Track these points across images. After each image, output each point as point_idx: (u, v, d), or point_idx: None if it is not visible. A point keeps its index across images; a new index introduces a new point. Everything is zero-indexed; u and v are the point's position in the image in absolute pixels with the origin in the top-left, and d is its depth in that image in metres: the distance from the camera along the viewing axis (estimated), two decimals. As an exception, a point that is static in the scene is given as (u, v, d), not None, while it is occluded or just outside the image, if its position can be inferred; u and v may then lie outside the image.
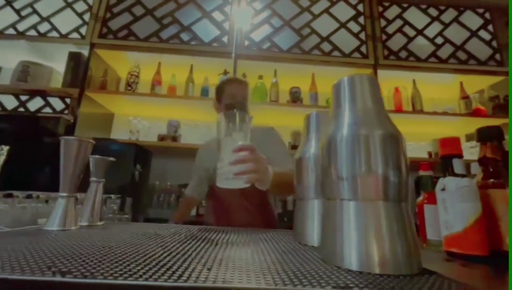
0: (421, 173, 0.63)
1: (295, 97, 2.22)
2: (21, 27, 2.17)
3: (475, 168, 0.45)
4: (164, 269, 0.28)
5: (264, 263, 0.33)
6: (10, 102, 2.06)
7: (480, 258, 0.38)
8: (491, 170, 0.42)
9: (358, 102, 0.37)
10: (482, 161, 0.43)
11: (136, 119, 2.16)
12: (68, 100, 2.12)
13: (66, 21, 2.19)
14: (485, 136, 0.44)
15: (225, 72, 2.23)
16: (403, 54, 2.22)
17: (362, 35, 2.25)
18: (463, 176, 0.42)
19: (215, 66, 2.24)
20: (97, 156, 0.68)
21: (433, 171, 0.63)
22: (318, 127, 0.56)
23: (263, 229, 0.72)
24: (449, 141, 0.44)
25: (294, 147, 2.14)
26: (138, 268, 0.28)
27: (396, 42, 2.25)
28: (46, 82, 2.19)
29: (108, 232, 0.53)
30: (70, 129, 1.97)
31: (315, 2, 2.31)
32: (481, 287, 0.29)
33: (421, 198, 0.60)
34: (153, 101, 2.15)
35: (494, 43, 2.27)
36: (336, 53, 2.21)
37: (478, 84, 2.31)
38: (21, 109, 2.05)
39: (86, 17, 2.21)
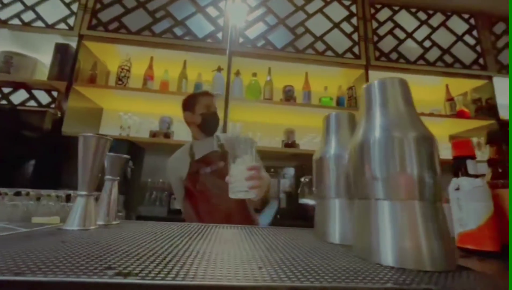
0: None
1: (289, 96, 2.24)
2: (3, 15, 2.05)
3: (482, 169, 0.47)
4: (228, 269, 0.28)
5: (303, 262, 0.33)
6: (-9, 95, 1.96)
7: (492, 254, 0.40)
8: (500, 171, 0.45)
9: (390, 104, 0.39)
10: (491, 162, 0.46)
11: (127, 115, 2.11)
12: (55, 94, 2.03)
13: (53, 11, 2.10)
14: (494, 138, 0.47)
15: (219, 69, 2.21)
16: (394, 56, 2.29)
17: (355, 36, 2.29)
18: (476, 176, 0.44)
19: (209, 63, 2.21)
20: (112, 154, 0.66)
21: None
22: (338, 128, 0.57)
23: (282, 228, 0.73)
24: (462, 143, 0.47)
25: (287, 145, 2.16)
26: (197, 267, 0.28)
27: (387, 44, 2.31)
28: (30, 74, 2.09)
29: (133, 230, 0.53)
30: (57, 124, 1.89)
31: (309, 1, 2.32)
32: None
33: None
34: (145, 96, 2.10)
35: (478, 48, 2.37)
36: (329, 53, 2.25)
37: (462, 87, 2.41)
38: (4, 102, 1.95)
39: (74, 7, 2.13)
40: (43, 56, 2.16)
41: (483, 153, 2.08)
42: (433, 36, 2.36)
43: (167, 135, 2.06)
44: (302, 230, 0.64)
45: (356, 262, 0.34)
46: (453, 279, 0.28)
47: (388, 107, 0.38)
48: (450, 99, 2.36)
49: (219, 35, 2.18)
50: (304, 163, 2.15)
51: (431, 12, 2.41)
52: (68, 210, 1.15)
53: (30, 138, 1.84)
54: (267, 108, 2.19)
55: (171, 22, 2.15)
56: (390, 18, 2.37)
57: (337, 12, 2.33)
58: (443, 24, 2.40)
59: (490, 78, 2.32)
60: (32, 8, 2.09)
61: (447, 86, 2.39)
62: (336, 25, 2.30)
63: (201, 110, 1.36)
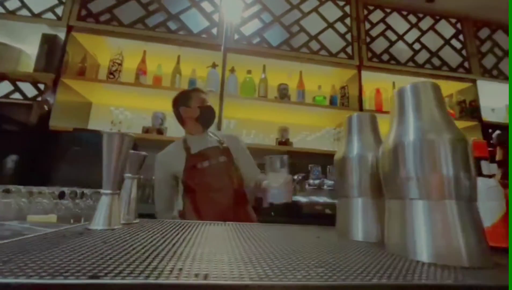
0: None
1: (283, 94, 2.25)
2: (-15, 2, 1.94)
3: (486, 168, 0.50)
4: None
5: (341, 260, 0.34)
6: (-28, 86, 1.85)
7: (505, 249, 0.43)
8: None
9: (424, 108, 0.40)
10: (500, 163, 0.49)
11: (119, 110, 2.05)
12: (41, 86, 1.95)
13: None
14: (503, 140, 0.50)
15: (214, 65, 2.19)
16: (385, 57, 2.34)
17: (348, 36, 2.33)
18: (489, 176, 0.47)
19: (204, 58, 2.19)
20: (132, 151, 0.64)
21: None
22: (360, 129, 0.58)
23: (305, 226, 0.75)
24: (476, 145, 0.49)
25: (281, 143, 2.18)
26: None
27: (379, 45, 2.36)
28: (14, 65, 1.99)
29: (160, 230, 0.52)
30: (44, 118, 1.82)
31: (304, 0, 2.34)
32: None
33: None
34: (138, 91, 2.06)
35: (463, 52, 2.47)
36: (323, 52, 2.27)
37: (448, 89, 2.51)
38: (-14, 94, 1.86)
39: (63, -4, 2.04)
40: (28, 47, 2.06)
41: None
42: (422, 39, 2.43)
43: (160, 131, 2.02)
44: (319, 228, 0.66)
45: (393, 259, 0.36)
46: (493, 275, 0.30)
47: (421, 111, 0.40)
48: (437, 101, 2.45)
49: (214, 30, 2.16)
50: (297, 161, 2.18)
51: (421, 15, 2.48)
52: (64, 208, 1.11)
53: (15, 132, 1.76)
54: (262, 105, 2.19)
55: (165, 15, 2.11)
56: (382, 20, 2.42)
57: (331, 12, 2.36)
58: (431, 27, 2.48)
59: (474, 81, 2.43)
60: (17, -5, 1.99)
61: (434, 87, 2.48)
62: (330, 25, 2.33)
63: (197, 103, 1.37)
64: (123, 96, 2.12)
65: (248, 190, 1.41)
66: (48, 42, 1.99)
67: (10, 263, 0.25)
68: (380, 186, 0.52)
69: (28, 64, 2.03)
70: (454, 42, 2.48)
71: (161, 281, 0.23)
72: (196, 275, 0.25)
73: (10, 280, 0.21)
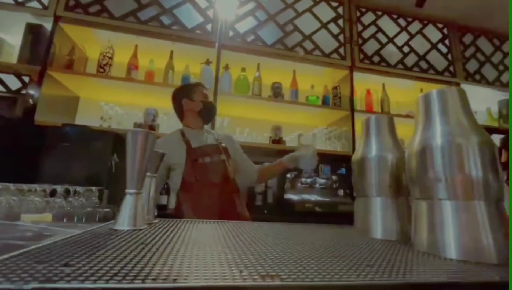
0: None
1: (277, 93, 2.26)
2: (-37, -13, 1.82)
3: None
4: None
5: (370, 258, 0.35)
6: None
7: None
8: None
9: (451, 112, 0.42)
10: (506, 165, 0.52)
11: (109, 105, 1.99)
12: (26, 79, 1.86)
13: (24, -13, 1.90)
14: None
15: (208, 62, 2.17)
16: (376, 59, 2.40)
17: (341, 37, 2.37)
18: None
19: (197, 55, 2.16)
20: None
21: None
22: (378, 130, 0.59)
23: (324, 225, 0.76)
24: None
25: (274, 141, 2.19)
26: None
27: (370, 47, 2.42)
28: (-5, 56, 1.89)
29: (185, 230, 0.51)
30: (29, 112, 1.74)
31: (298, 0, 2.35)
32: None
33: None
34: (129, 86, 2.00)
35: (449, 56, 2.57)
36: (316, 52, 2.30)
37: (435, 92, 2.60)
38: (-35, 86, 1.75)
39: (49, -16, 1.94)
40: (11, 37, 1.96)
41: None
42: (411, 42, 2.51)
43: (152, 128, 1.98)
44: (335, 227, 0.67)
45: (423, 256, 0.37)
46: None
47: (448, 115, 0.42)
48: (423, 102, 2.54)
49: (209, 27, 2.14)
50: (290, 160, 2.19)
51: (410, 19, 2.56)
52: (57, 207, 1.07)
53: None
54: (256, 104, 2.19)
55: (158, 9, 2.06)
56: (374, 23, 2.47)
57: (325, 12, 2.38)
58: (420, 31, 2.57)
59: (458, 84, 2.53)
60: (-2, -19, 1.88)
61: (421, 90, 2.57)
62: (324, 25, 2.36)
63: (200, 98, 1.38)
64: (113, 91, 2.06)
65: (245, 184, 1.46)
66: (33, 32, 1.90)
67: (70, 266, 0.24)
68: (398, 186, 0.54)
69: (11, 55, 1.93)
70: (440, 46, 2.58)
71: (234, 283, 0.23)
72: (268, 277, 0.25)
73: (86, 285, 0.20)
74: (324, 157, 2.23)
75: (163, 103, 2.17)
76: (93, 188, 1.33)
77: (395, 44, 2.47)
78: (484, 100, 2.63)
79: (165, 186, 1.97)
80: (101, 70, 1.98)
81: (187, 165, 1.26)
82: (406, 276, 0.27)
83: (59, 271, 0.23)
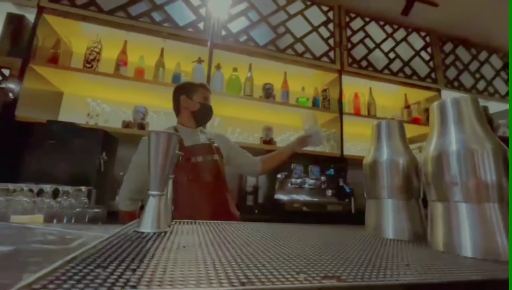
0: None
1: (268, 93, 2.28)
2: None
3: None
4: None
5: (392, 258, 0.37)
6: None
7: None
8: None
9: (465, 120, 0.44)
10: None
11: (96, 102, 1.92)
12: (6, 72, 1.76)
13: (5, -26, 1.79)
14: None
15: (200, 61, 2.15)
16: (364, 63, 2.48)
17: (331, 41, 2.42)
18: None
19: (189, 53, 2.13)
20: None
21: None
22: (389, 135, 0.62)
23: (334, 225, 0.77)
24: None
25: (265, 141, 2.20)
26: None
27: (359, 51, 2.49)
28: (-29, 46, 1.77)
29: (209, 231, 0.51)
30: (9, 107, 1.65)
31: (291, 2, 2.38)
32: None
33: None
34: (117, 83, 1.94)
35: (431, 63, 2.70)
36: (307, 55, 2.34)
37: (417, 97, 2.73)
38: None
39: (33, -27, 1.85)
40: (-11, 27, 1.84)
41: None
42: (396, 49, 2.61)
43: (141, 126, 1.94)
44: (343, 227, 0.69)
45: (440, 254, 0.40)
46: None
47: (463, 122, 0.44)
48: (407, 107, 2.66)
49: (201, 25, 2.12)
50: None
51: (395, 26, 2.66)
52: (46, 207, 1.03)
53: (-27, 121, 1.58)
54: (247, 104, 2.20)
55: (149, 5, 2.02)
56: (362, 28, 2.55)
57: (316, 16, 2.43)
58: (404, 38, 2.68)
59: (439, 90, 2.67)
60: (-24, -33, 1.76)
61: (405, 95, 2.68)
62: (315, 29, 2.40)
63: (199, 99, 1.36)
64: (101, 87, 1.99)
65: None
66: (14, 22, 1.80)
67: (135, 271, 0.24)
68: (409, 188, 0.57)
69: (-11, 45, 1.81)
70: (423, 53, 2.70)
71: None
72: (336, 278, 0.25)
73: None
74: (314, 158, 2.27)
75: (153, 101, 2.14)
76: (83, 188, 1.29)
77: (381, 50, 2.56)
78: (462, 106, 2.78)
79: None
80: (88, 65, 1.91)
81: (179, 164, 1.25)
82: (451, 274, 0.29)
83: (129, 276, 0.23)
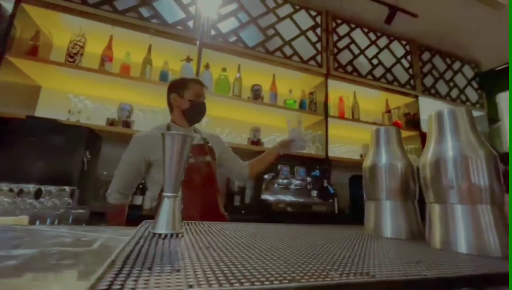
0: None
1: (257, 95, 2.29)
2: None
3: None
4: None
5: (392, 255, 0.39)
6: None
7: None
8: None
9: (461, 128, 0.48)
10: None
11: (78, 98, 1.84)
12: (-22, 63, 1.63)
13: (-21, -42, 1.67)
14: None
15: (188, 59, 2.12)
16: (349, 68, 2.56)
17: (318, 46, 2.48)
18: None
19: (177, 51, 2.10)
20: None
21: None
22: (387, 140, 0.65)
23: (332, 226, 0.79)
24: None
25: (253, 142, 2.22)
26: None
27: (344, 57, 2.57)
28: None
29: (223, 232, 0.51)
30: (-18, 101, 1.54)
31: (280, 6, 2.41)
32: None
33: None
34: (102, 79, 1.87)
35: (410, 71, 2.85)
36: (295, 58, 2.38)
37: (397, 102, 2.86)
38: None
39: (11, -41, 1.74)
40: (-40, 13, 1.71)
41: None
42: (379, 56, 2.72)
43: (126, 124, 1.88)
44: (340, 227, 0.71)
45: (436, 252, 0.43)
46: None
47: (459, 131, 0.48)
48: (388, 111, 2.78)
49: (190, 23, 2.09)
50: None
51: (379, 34, 2.77)
52: (28, 207, 0.98)
53: None
54: (236, 105, 2.20)
55: (137, 0, 1.96)
56: (348, 34, 2.64)
57: (304, 20, 2.48)
58: (387, 46, 2.80)
59: (416, 97, 2.81)
60: None
61: (386, 100, 2.80)
62: (303, 33, 2.45)
63: (190, 96, 1.31)
64: (84, 83, 1.91)
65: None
66: (-11, 11, 1.68)
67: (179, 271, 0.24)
68: (406, 191, 0.60)
69: (-41, 34, 1.68)
70: (403, 61, 2.83)
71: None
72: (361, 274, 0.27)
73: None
74: (300, 159, 2.32)
75: (139, 98, 2.08)
76: (66, 188, 1.24)
77: (365, 56, 2.66)
78: (437, 112, 2.95)
79: (140, 185, 1.89)
80: (71, 59, 1.83)
81: None
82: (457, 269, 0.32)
83: (180, 276, 0.23)
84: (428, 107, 2.86)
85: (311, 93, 2.49)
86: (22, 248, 0.31)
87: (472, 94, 3.19)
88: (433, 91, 2.93)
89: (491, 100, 3.26)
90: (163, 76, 2.04)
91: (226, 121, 2.31)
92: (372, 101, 2.80)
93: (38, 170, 1.33)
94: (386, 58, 2.75)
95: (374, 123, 2.61)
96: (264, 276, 0.25)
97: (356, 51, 2.63)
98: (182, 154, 0.46)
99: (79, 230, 0.44)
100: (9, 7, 1.70)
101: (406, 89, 2.78)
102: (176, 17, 2.05)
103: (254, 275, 0.25)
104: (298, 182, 2.29)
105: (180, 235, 0.45)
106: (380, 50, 2.75)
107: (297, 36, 2.42)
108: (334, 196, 2.36)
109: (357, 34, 2.68)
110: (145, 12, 1.97)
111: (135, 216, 1.66)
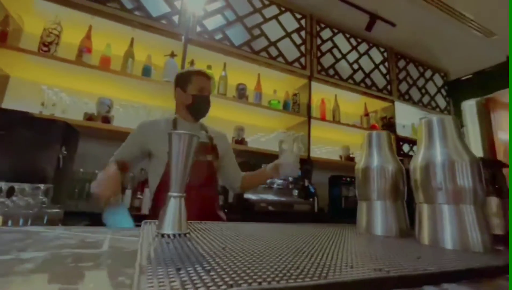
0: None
1: (241, 94, 2.29)
2: None
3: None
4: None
5: (386, 252, 0.41)
6: None
7: None
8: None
9: (448, 135, 0.52)
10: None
11: (53, 90, 1.73)
12: None
13: None
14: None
15: (172, 55, 2.07)
16: (331, 72, 2.64)
17: (303, 48, 2.53)
18: None
19: (161, 46, 2.04)
20: None
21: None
22: (379, 144, 0.68)
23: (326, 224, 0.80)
24: None
25: (237, 141, 2.21)
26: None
27: (327, 60, 2.65)
28: None
29: (233, 232, 0.50)
30: None
31: (266, 6, 2.42)
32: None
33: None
34: (80, 71, 1.77)
35: (387, 77, 2.99)
36: (280, 59, 2.41)
37: (375, 106, 2.99)
38: None
39: None
40: None
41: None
42: (360, 61, 2.83)
43: (106, 120, 1.80)
44: (332, 226, 0.73)
45: (426, 248, 0.46)
46: (502, 255, 0.43)
47: (447, 138, 0.52)
48: (366, 115, 2.90)
49: (175, 18, 2.04)
50: (251, 160, 2.25)
51: (360, 40, 2.88)
52: (0, 207, 0.91)
53: None
54: (220, 103, 2.18)
55: (120, -10, 1.88)
56: (331, 38, 2.71)
57: (290, 22, 2.51)
58: (366, 52, 2.92)
59: (393, 102, 2.97)
60: None
61: (365, 104, 2.92)
62: (288, 35, 2.48)
63: (193, 90, 1.26)
64: (59, 74, 1.79)
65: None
66: (-50, -10, 1.53)
67: (210, 272, 0.24)
68: (396, 192, 0.64)
69: None
70: (381, 67, 2.97)
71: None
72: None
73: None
74: (282, 159, 2.35)
75: (120, 93, 2.00)
76: (41, 186, 1.16)
77: (347, 61, 2.76)
78: (410, 117, 3.12)
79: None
80: (45, 48, 1.71)
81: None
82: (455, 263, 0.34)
83: (211, 277, 0.23)
84: (403, 112, 3.03)
85: (295, 95, 2.53)
86: (30, 251, 0.29)
87: (441, 101, 3.42)
88: (407, 96, 3.10)
89: (457, 107, 3.52)
90: (146, 71, 1.97)
91: (210, 120, 2.25)
92: (352, 104, 2.91)
93: (9, 167, 1.23)
94: (366, 64, 2.87)
95: (353, 126, 2.71)
96: (293, 274, 0.26)
97: (338, 55, 2.71)
98: (188, 153, 0.45)
99: (78, 231, 0.41)
100: (-26, -13, 1.55)
101: (383, 94, 2.92)
102: (160, 11, 1.99)
103: (285, 273, 0.26)
104: (280, 181, 2.32)
105: (187, 235, 0.44)
106: (361, 55, 2.86)
107: (282, 38, 2.45)
108: (314, 195, 2.42)
109: (340, 39, 2.77)
110: (127, 3, 1.89)
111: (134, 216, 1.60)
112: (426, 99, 3.27)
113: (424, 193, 0.54)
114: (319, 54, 2.61)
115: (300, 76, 2.49)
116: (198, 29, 2.11)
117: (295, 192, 2.43)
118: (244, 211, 2.09)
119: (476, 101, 3.80)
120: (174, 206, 0.45)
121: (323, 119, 2.58)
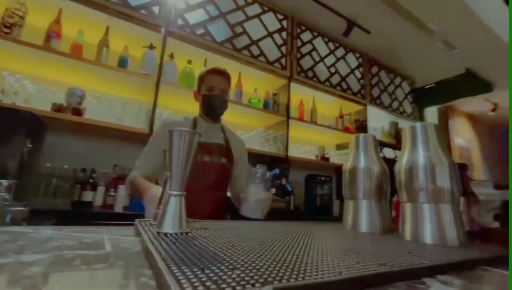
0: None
1: (222, 91, 2.26)
2: None
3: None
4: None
5: (371, 249, 0.43)
6: None
7: None
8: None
9: (430, 141, 0.56)
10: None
11: (15, 77, 1.58)
12: None
13: None
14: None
15: (151, 47, 1.99)
16: (310, 74, 2.71)
17: (283, 49, 2.56)
18: None
19: (140, 36, 1.96)
20: None
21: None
22: (366, 146, 0.71)
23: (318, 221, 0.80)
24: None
25: (216, 139, 2.18)
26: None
27: (306, 62, 2.71)
28: None
29: (238, 231, 0.49)
30: None
31: (249, 4, 2.42)
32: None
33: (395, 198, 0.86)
34: (47, 57, 1.64)
35: (361, 82, 3.14)
36: (262, 58, 2.42)
37: (350, 109, 3.13)
38: None
39: None
40: None
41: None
42: (336, 65, 2.94)
43: (77, 112, 1.68)
44: (316, 224, 0.75)
45: (410, 243, 0.50)
46: (477, 249, 0.47)
47: (428, 143, 0.56)
48: (341, 117, 3.02)
49: (156, 9, 1.96)
50: (230, 158, 2.23)
51: (337, 45, 2.99)
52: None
53: None
54: (200, 99, 2.14)
55: (95, -26, 1.76)
56: (310, 41, 2.78)
57: (271, 22, 2.53)
58: (343, 57, 3.03)
59: (365, 105, 3.12)
60: None
61: (340, 106, 3.04)
62: (270, 34, 2.50)
63: (204, 90, 1.23)
64: (23, 59, 1.64)
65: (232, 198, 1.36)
66: None
67: (235, 270, 0.24)
68: (381, 191, 0.68)
69: None
70: (356, 72, 3.11)
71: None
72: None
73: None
74: (261, 158, 2.37)
75: (93, 84, 1.88)
76: (3, 182, 1.07)
77: (324, 64, 2.84)
78: (380, 120, 3.31)
79: (90, 180, 1.72)
80: (6, 30, 1.55)
81: None
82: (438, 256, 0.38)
83: (238, 275, 0.23)
84: (374, 115, 3.20)
85: (275, 94, 2.56)
86: (28, 253, 0.26)
87: (408, 107, 3.67)
88: (378, 101, 3.28)
89: (421, 113, 3.81)
90: (122, 62, 1.87)
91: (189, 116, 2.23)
92: (328, 106, 3.01)
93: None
94: (342, 68, 2.98)
95: (329, 127, 2.80)
96: (316, 270, 0.27)
97: (317, 58, 2.79)
98: (190, 151, 0.44)
99: (70, 231, 0.38)
100: None
101: (357, 98, 3.06)
102: (140, 0, 1.90)
103: (307, 270, 0.27)
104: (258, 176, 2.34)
105: (188, 234, 0.43)
106: (338, 59, 2.97)
107: (264, 37, 2.46)
108: (291, 193, 2.48)
109: (319, 42, 2.84)
110: (104, -12, 1.78)
111: (87, 213, 1.50)
112: (395, 104, 3.48)
113: (407, 193, 0.58)
114: (299, 55, 2.66)
115: (280, 76, 2.52)
116: (180, 22, 2.05)
117: (273, 191, 2.46)
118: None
119: (437, 108, 4.15)
120: (174, 205, 0.44)
121: (301, 119, 2.64)
